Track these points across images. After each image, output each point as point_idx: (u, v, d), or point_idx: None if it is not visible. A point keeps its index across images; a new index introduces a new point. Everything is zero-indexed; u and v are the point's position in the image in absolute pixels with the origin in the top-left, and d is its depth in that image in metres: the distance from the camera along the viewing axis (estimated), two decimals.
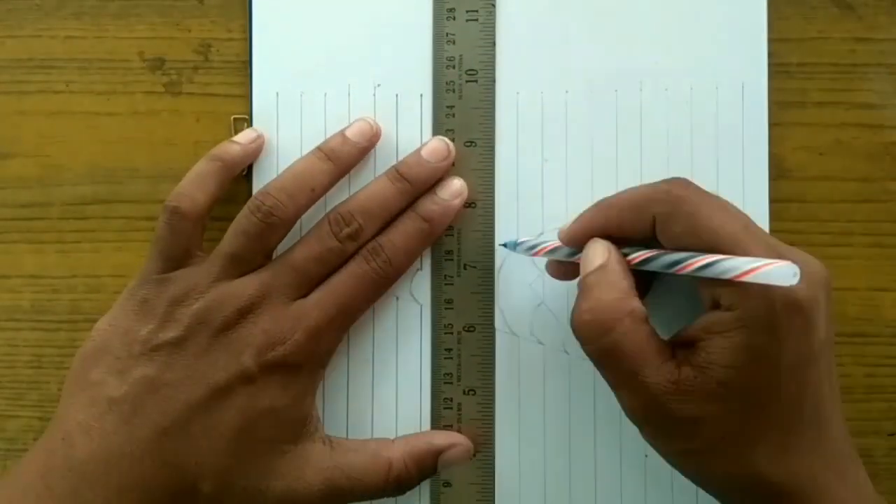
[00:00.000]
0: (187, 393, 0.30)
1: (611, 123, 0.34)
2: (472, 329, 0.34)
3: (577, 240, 0.29)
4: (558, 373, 0.34)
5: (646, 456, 0.33)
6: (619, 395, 0.28)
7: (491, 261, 0.34)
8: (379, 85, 0.34)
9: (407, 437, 0.33)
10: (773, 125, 0.34)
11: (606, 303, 0.27)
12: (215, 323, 0.30)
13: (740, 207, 0.28)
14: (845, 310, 0.34)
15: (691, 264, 0.26)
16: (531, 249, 0.31)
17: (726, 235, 0.26)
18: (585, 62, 0.34)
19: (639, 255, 0.28)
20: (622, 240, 0.29)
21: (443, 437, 0.33)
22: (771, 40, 0.34)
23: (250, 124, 0.34)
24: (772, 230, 0.33)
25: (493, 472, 0.34)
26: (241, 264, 0.31)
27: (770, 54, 0.34)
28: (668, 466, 0.29)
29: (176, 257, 0.32)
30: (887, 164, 0.34)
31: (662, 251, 0.27)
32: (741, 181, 0.33)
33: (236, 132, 0.35)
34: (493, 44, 0.34)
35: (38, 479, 0.29)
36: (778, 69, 0.34)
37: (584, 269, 0.28)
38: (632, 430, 0.28)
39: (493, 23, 0.34)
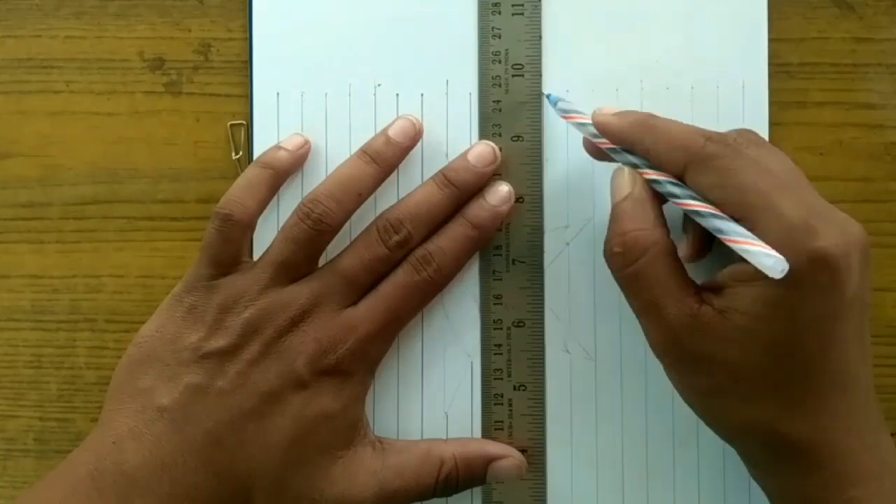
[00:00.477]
0: (239, 401, 0.30)
1: None
2: (521, 324, 0.34)
3: (608, 133, 0.30)
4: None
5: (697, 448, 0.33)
6: (642, 324, 0.29)
7: (540, 256, 0.34)
8: (379, 84, 0.34)
9: (460, 440, 0.33)
10: (773, 125, 0.34)
11: (633, 232, 0.28)
12: (267, 331, 0.30)
13: None
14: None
15: (688, 204, 0.27)
16: (564, 112, 0.31)
17: (754, 193, 0.26)
18: (591, 60, 0.34)
19: (649, 173, 0.29)
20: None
21: (497, 447, 0.32)
22: (771, 40, 0.34)
23: (250, 125, 0.34)
24: None
25: (545, 468, 0.33)
26: (291, 271, 0.31)
27: (770, 54, 0.34)
28: (721, 458, 0.30)
29: (225, 263, 0.31)
30: (888, 164, 0.34)
31: (677, 182, 0.28)
32: None
33: (234, 137, 0.35)
34: (539, 38, 0.34)
35: (88, 480, 0.29)
36: (778, 69, 0.34)
37: (614, 196, 0.29)
38: (685, 421, 0.30)
39: (539, 16, 0.34)
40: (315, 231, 0.31)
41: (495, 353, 0.34)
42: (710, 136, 0.28)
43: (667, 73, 0.34)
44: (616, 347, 0.34)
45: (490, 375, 0.34)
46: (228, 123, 0.35)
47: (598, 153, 0.31)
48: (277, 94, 0.34)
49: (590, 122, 0.30)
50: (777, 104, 0.34)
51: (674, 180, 0.28)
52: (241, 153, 0.35)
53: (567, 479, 0.33)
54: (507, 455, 0.32)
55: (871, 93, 0.34)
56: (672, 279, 0.27)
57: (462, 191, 0.32)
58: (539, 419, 0.33)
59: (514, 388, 0.34)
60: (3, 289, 0.35)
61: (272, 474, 0.30)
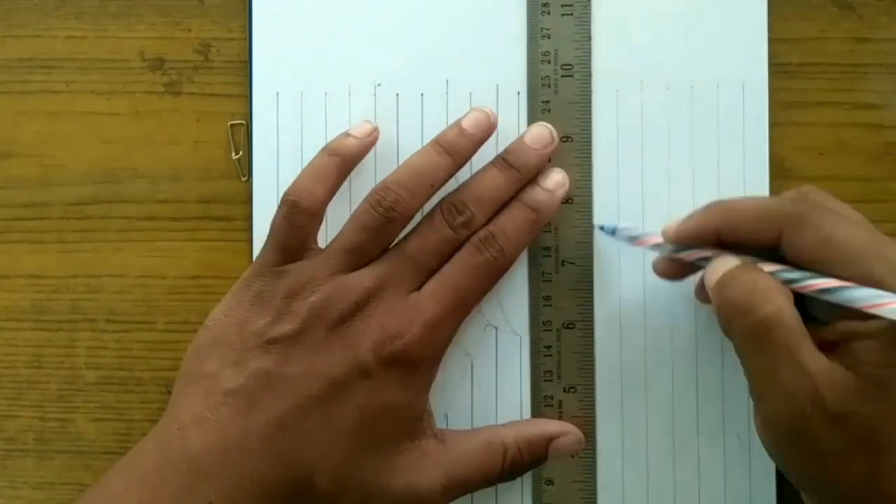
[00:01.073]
0: (305, 387, 0.29)
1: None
2: (571, 326, 0.33)
3: (688, 239, 0.29)
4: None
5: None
6: (760, 390, 0.27)
7: (590, 257, 0.34)
8: (379, 84, 0.34)
9: (516, 423, 0.33)
10: (773, 125, 0.34)
11: (755, 282, 0.27)
12: (332, 316, 0.30)
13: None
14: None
15: (812, 286, 0.26)
16: (632, 239, 0.31)
17: (859, 245, 0.26)
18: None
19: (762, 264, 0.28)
20: (735, 246, 0.28)
21: (554, 425, 0.32)
22: (771, 40, 0.34)
23: (250, 125, 0.34)
24: None
25: (595, 470, 0.33)
26: (359, 258, 0.31)
27: (770, 54, 0.34)
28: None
29: (293, 250, 0.31)
30: (888, 164, 0.34)
31: (784, 266, 0.27)
32: (742, 181, 0.33)
33: (234, 137, 0.35)
34: (589, 38, 0.34)
35: (153, 469, 0.29)
36: (778, 69, 0.34)
37: (711, 278, 0.28)
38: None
39: (589, 16, 0.34)
40: (386, 219, 0.31)
41: (545, 355, 0.33)
42: (791, 197, 0.28)
43: (667, 73, 0.34)
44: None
45: (540, 377, 0.33)
46: (228, 123, 0.35)
47: (672, 272, 0.31)
48: (277, 94, 0.34)
49: (661, 241, 0.30)
50: (777, 104, 0.34)
51: (783, 266, 0.27)
52: (241, 153, 0.35)
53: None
54: (566, 431, 0.32)
55: (871, 93, 0.34)
56: (802, 330, 0.26)
57: (523, 173, 0.32)
58: (590, 421, 0.33)
59: (565, 391, 0.33)
60: (3, 289, 0.35)
61: (336, 463, 0.29)
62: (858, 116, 0.34)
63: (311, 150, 0.34)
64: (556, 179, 0.32)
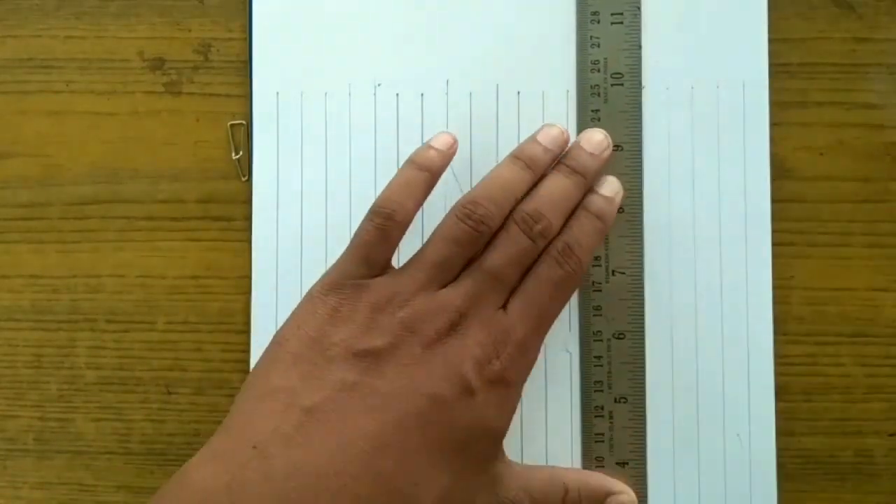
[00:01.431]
0: (404, 403, 0.28)
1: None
2: (622, 336, 0.33)
3: None
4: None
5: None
6: None
7: (640, 266, 0.33)
8: (379, 84, 0.34)
9: (578, 469, 0.33)
10: (773, 125, 0.34)
11: None
12: (427, 333, 0.29)
13: (742, 208, 0.28)
14: (845, 310, 0.34)
15: None
16: None
17: None
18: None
19: None
20: None
21: (615, 483, 0.32)
22: (771, 40, 0.34)
23: (250, 125, 0.34)
24: (772, 230, 0.33)
25: (646, 482, 0.33)
26: (447, 272, 0.30)
27: (770, 54, 0.34)
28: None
29: (378, 264, 0.30)
30: (888, 164, 0.34)
31: None
32: (742, 181, 0.33)
33: (234, 137, 0.35)
34: (639, 46, 0.34)
35: (223, 493, 0.26)
36: (778, 69, 0.34)
37: None
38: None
39: (639, 25, 0.34)
40: (477, 232, 0.30)
41: (595, 365, 0.33)
42: None
43: (667, 73, 0.34)
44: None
45: (590, 387, 0.33)
46: (228, 123, 0.35)
47: None
48: (277, 94, 0.34)
49: None
50: (777, 104, 0.34)
51: None
52: (241, 153, 0.35)
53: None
54: (625, 491, 0.31)
55: (871, 93, 0.34)
56: None
57: (587, 178, 0.32)
58: (640, 432, 0.33)
59: (615, 401, 0.33)
60: (3, 289, 0.35)
61: (438, 486, 0.28)
62: (858, 116, 0.34)
63: (312, 150, 0.34)
64: (613, 187, 0.32)
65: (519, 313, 0.30)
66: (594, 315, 0.33)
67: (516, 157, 0.32)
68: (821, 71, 0.34)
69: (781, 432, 0.33)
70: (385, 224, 0.30)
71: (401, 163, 0.32)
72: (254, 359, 0.34)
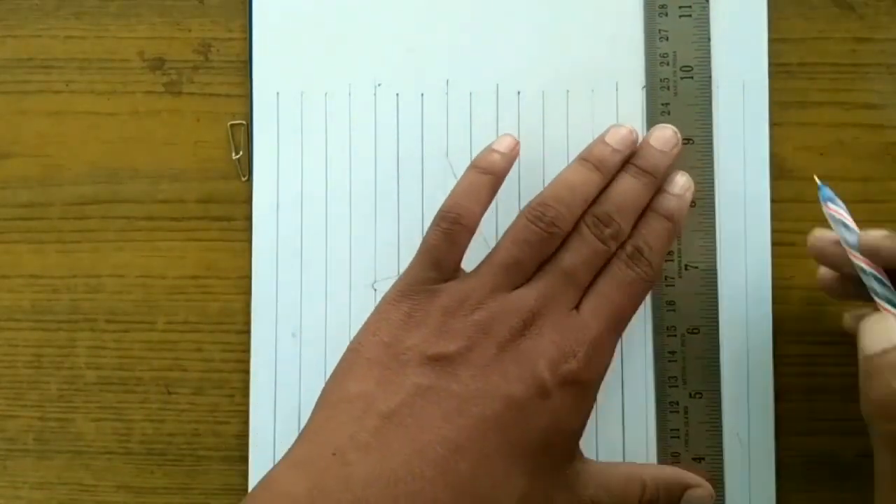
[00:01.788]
0: (480, 406, 0.28)
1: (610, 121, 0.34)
2: (695, 331, 0.33)
3: (879, 256, 0.27)
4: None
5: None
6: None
7: (713, 260, 0.33)
8: (379, 84, 0.34)
9: (653, 465, 0.33)
10: (773, 125, 0.34)
11: None
12: (501, 334, 0.29)
13: (741, 207, 0.27)
14: (846, 310, 0.34)
15: None
16: (831, 206, 0.29)
17: None
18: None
19: None
20: None
21: (691, 476, 0.32)
22: (771, 40, 0.34)
23: (250, 125, 0.34)
24: (772, 230, 0.33)
25: (723, 476, 0.33)
26: (518, 274, 0.30)
27: (770, 54, 0.34)
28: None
29: (447, 268, 0.30)
30: (888, 164, 0.34)
31: None
32: (742, 180, 0.33)
33: (234, 137, 0.35)
34: (708, 39, 0.33)
35: (305, 499, 0.26)
36: (778, 69, 0.34)
37: (868, 346, 0.27)
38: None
39: (708, 17, 0.33)
40: (548, 234, 0.30)
41: (669, 361, 0.33)
42: None
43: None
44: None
45: (665, 383, 0.33)
46: (228, 123, 0.35)
47: (841, 293, 0.30)
48: (277, 94, 0.34)
49: (854, 228, 0.28)
50: (777, 104, 0.34)
51: None
52: (241, 153, 0.35)
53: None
54: (702, 484, 0.31)
55: (872, 93, 0.34)
56: None
57: (657, 177, 0.31)
58: (716, 427, 0.33)
59: (690, 396, 0.33)
60: (3, 289, 0.35)
61: (517, 488, 0.27)
62: (858, 116, 0.34)
63: (311, 150, 0.34)
64: (681, 183, 0.32)
65: (592, 313, 0.30)
66: (667, 310, 0.33)
67: (584, 158, 0.31)
68: (821, 71, 0.34)
69: (782, 432, 0.33)
70: (451, 228, 0.30)
71: (401, 162, 0.32)
72: (254, 358, 0.34)
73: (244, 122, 0.35)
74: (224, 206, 0.35)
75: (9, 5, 0.35)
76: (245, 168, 0.35)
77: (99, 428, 0.35)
